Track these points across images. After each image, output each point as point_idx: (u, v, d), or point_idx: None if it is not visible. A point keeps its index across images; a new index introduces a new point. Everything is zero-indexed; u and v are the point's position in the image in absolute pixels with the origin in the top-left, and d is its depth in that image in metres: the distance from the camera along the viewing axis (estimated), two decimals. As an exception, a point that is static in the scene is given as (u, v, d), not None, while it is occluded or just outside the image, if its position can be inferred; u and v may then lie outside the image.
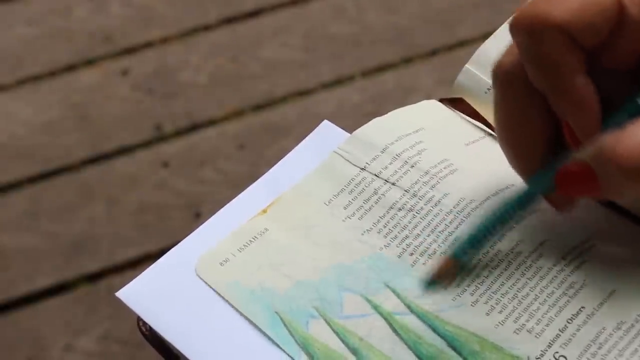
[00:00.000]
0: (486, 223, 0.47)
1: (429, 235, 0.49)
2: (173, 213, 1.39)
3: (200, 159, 1.46)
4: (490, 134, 0.54)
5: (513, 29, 0.45)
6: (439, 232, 0.49)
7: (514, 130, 0.47)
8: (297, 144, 0.54)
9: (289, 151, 0.53)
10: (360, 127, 0.53)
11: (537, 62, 0.45)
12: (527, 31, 0.44)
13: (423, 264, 0.48)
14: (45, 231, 1.38)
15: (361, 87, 1.51)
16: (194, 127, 1.50)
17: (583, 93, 0.44)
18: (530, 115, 0.46)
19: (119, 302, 0.48)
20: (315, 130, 0.54)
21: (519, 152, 0.47)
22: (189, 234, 0.50)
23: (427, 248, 0.48)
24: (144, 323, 0.48)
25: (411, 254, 0.48)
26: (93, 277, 1.33)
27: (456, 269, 0.47)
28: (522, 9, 0.44)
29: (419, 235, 0.49)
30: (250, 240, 0.49)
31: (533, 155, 0.47)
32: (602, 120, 0.45)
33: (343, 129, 0.54)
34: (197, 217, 1.37)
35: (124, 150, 1.47)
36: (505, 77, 0.46)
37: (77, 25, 1.66)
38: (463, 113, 0.55)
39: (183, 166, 1.45)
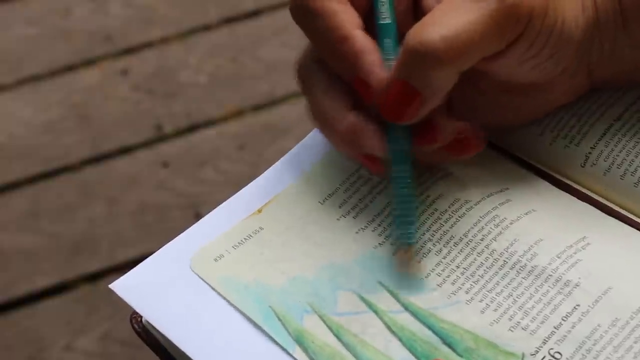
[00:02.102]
0: (401, 202, 0.48)
1: (423, 234, 0.49)
2: (173, 213, 1.39)
3: (200, 159, 1.46)
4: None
5: (292, 13, 0.50)
6: (434, 231, 0.49)
7: (327, 111, 0.49)
8: (297, 144, 0.54)
9: (289, 151, 0.54)
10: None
11: (314, 29, 0.49)
12: (299, 4, 0.49)
13: (418, 262, 0.48)
14: (45, 231, 1.38)
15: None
16: (194, 127, 1.50)
17: (364, 42, 0.47)
18: (333, 96, 0.49)
19: (119, 302, 0.48)
20: (312, 132, 0.54)
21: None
22: (188, 233, 0.51)
23: (421, 247, 0.48)
24: (137, 320, 0.48)
25: (405, 252, 0.48)
26: (93, 277, 1.33)
27: (411, 250, 0.48)
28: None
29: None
30: (245, 239, 0.50)
31: (367, 127, 0.48)
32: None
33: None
34: (197, 217, 1.37)
35: (124, 150, 1.48)
36: (300, 70, 0.51)
37: (77, 25, 1.66)
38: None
39: (183, 166, 1.45)
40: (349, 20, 0.48)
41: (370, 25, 0.49)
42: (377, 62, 0.47)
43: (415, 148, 0.48)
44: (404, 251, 0.48)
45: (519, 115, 0.52)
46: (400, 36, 0.48)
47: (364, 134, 0.48)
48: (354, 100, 0.49)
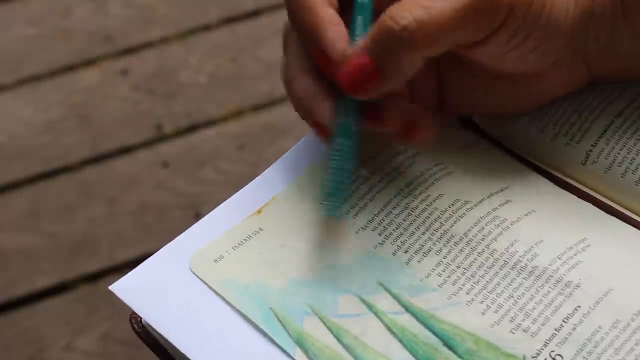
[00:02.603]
0: (334, 174, 0.48)
1: (423, 234, 0.49)
2: (173, 213, 1.39)
3: (200, 159, 1.46)
4: (484, 138, 0.54)
5: None
6: (434, 230, 0.49)
7: (294, 60, 0.50)
8: (296, 144, 0.54)
9: (288, 151, 0.54)
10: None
11: (292, 7, 0.49)
12: None
13: (418, 262, 0.48)
14: (45, 231, 1.38)
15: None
16: (194, 127, 1.50)
17: (329, 14, 0.48)
18: (298, 58, 0.49)
19: (118, 302, 0.48)
20: (310, 132, 0.54)
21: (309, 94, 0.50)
22: (188, 233, 0.51)
23: (421, 246, 0.48)
24: (137, 320, 0.48)
25: (405, 252, 0.48)
26: (93, 277, 1.33)
27: (337, 220, 0.49)
28: None
29: (413, 233, 0.49)
30: (245, 239, 0.49)
31: (315, 92, 0.49)
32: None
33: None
34: (197, 217, 1.37)
35: (124, 150, 1.48)
36: (284, 29, 0.51)
37: (77, 25, 1.66)
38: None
39: (183, 166, 1.45)
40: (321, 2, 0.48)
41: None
42: (339, 35, 0.48)
43: (363, 126, 0.49)
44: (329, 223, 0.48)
45: (512, 103, 0.52)
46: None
47: (315, 99, 0.49)
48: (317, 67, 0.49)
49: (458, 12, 0.46)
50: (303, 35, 0.49)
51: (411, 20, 0.46)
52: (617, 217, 0.49)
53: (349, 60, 0.47)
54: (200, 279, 0.48)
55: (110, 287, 0.48)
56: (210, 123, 1.51)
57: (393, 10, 0.46)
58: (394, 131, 0.49)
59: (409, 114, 0.49)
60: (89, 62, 1.60)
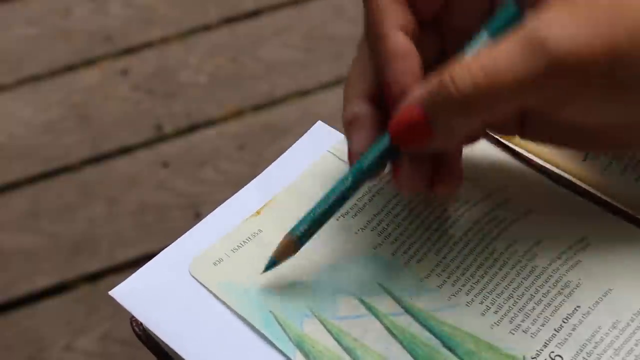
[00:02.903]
0: (323, 200, 0.47)
1: (423, 234, 0.49)
2: (173, 213, 1.39)
3: (200, 159, 1.46)
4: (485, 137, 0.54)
5: None
6: (433, 230, 0.49)
7: (356, 78, 0.48)
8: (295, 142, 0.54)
9: (287, 150, 0.53)
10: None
11: (365, 15, 0.46)
12: None
13: (417, 262, 0.48)
14: (45, 231, 1.38)
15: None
16: (194, 127, 1.50)
17: (398, 44, 0.45)
18: (371, 70, 0.47)
19: (118, 302, 0.48)
20: (309, 131, 0.54)
21: (354, 117, 0.47)
22: (188, 234, 0.51)
23: (421, 246, 0.48)
24: (137, 323, 0.48)
25: (405, 252, 0.48)
26: (93, 277, 1.33)
27: (294, 247, 0.47)
28: None
29: (412, 233, 0.49)
30: (244, 242, 0.49)
31: (364, 119, 0.47)
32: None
33: (342, 129, 0.54)
34: (197, 217, 1.37)
35: (124, 150, 1.47)
36: (361, 40, 0.48)
37: (77, 25, 1.66)
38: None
39: (183, 166, 1.45)
40: (391, 19, 0.45)
41: (444, 25, 0.47)
42: (405, 70, 0.45)
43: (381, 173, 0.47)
44: (287, 239, 0.47)
45: (598, 146, 0.48)
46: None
47: (357, 129, 0.46)
48: (374, 89, 0.47)
49: (525, 79, 0.42)
50: (374, 61, 0.47)
51: (469, 84, 0.42)
52: (616, 214, 0.49)
53: (403, 107, 0.44)
54: (200, 283, 0.48)
55: (110, 293, 0.48)
56: (210, 123, 1.51)
57: (456, 68, 0.43)
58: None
59: (429, 176, 0.46)
60: (89, 62, 1.60)
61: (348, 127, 0.47)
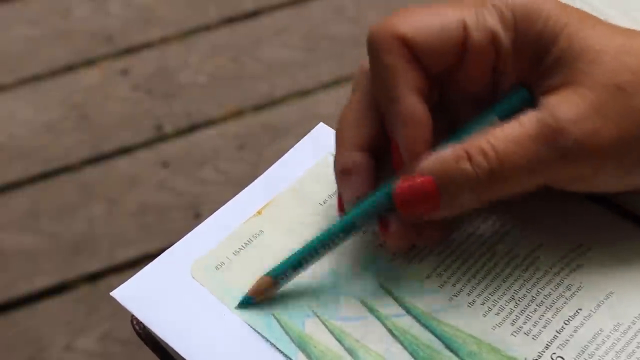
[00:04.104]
0: (307, 247, 0.47)
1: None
2: (173, 213, 1.39)
3: (200, 159, 1.46)
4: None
5: (367, 42, 0.46)
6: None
7: (351, 126, 0.47)
8: (296, 143, 0.54)
9: (289, 151, 0.53)
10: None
11: (375, 72, 0.46)
12: (373, 41, 0.46)
13: (419, 263, 0.48)
14: (45, 231, 1.38)
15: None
16: (194, 127, 1.50)
17: (412, 110, 0.45)
18: (367, 119, 0.47)
19: (118, 302, 0.48)
20: (311, 132, 0.54)
21: (348, 160, 0.47)
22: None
23: (422, 247, 0.48)
24: (138, 322, 0.48)
25: (406, 253, 0.48)
26: (93, 277, 1.33)
27: (274, 287, 0.47)
28: (376, 24, 0.46)
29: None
30: (246, 243, 0.49)
31: (359, 169, 0.47)
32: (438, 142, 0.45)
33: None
34: (197, 217, 1.37)
35: (124, 150, 1.47)
36: (359, 71, 0.48)
37: (77, 25, 1.66)
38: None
39: (183, 166, 1.45)
40: (407, 83, 0.45)
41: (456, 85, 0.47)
42: (419, 137, 0.45)
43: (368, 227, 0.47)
44: (265, 279, 0.47)
45: (614, 189, 0.48)
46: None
47: (351, 180, 0.47)
48: (371, 139, 0.47)
49: (538, 166, 0.44)
50: (385, 118, 0.46)
51: (485, 168, 0.44)
52: (617, 214, 0.49)
53: (413, 176, 0.45)
54: (202, 286, 0.48)
55: (112, 293, 0.48)
56: (210, 123, 1.51)
57: (474, 147, 0.44)
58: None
59: (417, 235, 0.47)
60: (89, 62, 1.60)
61: (342, 175, 0.47)
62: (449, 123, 0.47)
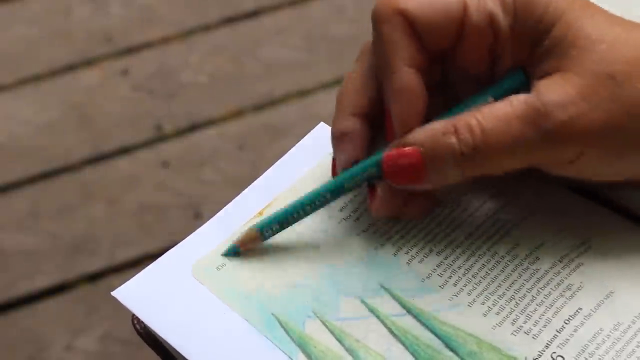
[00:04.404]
0: (295, 204, 0.48)
1: (424, 234, 0.49)
2: (173, 213, 1.39)
3: (200, 159, 1.46)
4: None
5: (371, 16, 0.47)
6: (435, 231, 0.49)
7: (351, 93, 0.49)
8: (296, 144, 0.54)
9: (289, 151, 0.54)
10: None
11: (377, 45, 0.47)
12: (376, 15, 0.47)
13: (419, 262, 0.48)
14: (45, 231, 1.38)
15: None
16: (194, 127, 1.50)
17: (407, 83, 0.46)
18: (366, 88, 0.48)
19: (119, 302, 0.48)
20: (311, 132, 0.54)
21: (345, 126, 0.48)
22: (188, 234, 0.50)
23: (423, 247, 0.48)
24: (139, 321, 0.48)
25: (406, 253, 0.48)
26: (93, 277, 1.33)
27: (259, 241, 0.49)
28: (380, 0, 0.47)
29: (414, 234, 0.49)
30: (247, 244, 0.50)
31: (354, 135, 0.48)
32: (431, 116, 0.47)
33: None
34: (197, 217, 1.37)
35: (124, 150, 1.48)
36: (364, 46, 0.49)
37: (77, 25, 1.66)
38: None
39: (183, 166, 1.45)
40: (404, 56, 0.46)
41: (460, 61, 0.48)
42: (412, 108, 0.46)
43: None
44: (251, 231, 0.48)
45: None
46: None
47: (346, 144, 0.48)
48: (369, 107, 0.48)
49: (521, 146, 0.45)
50: (383, 87, 0.47)
51: (470, 144, 0.45)
52: (618, 212, 0.49)
53: (402, 147, 0.46)
54: (203, 286, 0.48)
55: (113, 293, 0.48)
56: (210, 123, 1.51)
57: (461, 122, 0.45)
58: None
59: (403, 201, 0.48)
60: (89, 62, 1.60)
61: (337, 140, 0.48)
62: (449, 102, 0.48)
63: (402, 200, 0.48)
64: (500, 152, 0.45)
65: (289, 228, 0.49)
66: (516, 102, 0.45)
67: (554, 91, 0.45)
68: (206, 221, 0.51)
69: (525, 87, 0.46)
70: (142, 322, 0.48)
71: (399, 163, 0.46)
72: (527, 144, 0.45)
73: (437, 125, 0.46)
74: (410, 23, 0.46)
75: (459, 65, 0.48)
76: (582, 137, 0.44)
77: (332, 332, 0.46)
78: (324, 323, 0.46)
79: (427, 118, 0.47)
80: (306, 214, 0.48)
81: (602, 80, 0.44)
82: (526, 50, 0.46)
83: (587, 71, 0.45)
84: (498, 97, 0.46)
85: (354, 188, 0.48)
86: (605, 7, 0.48)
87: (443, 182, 0.46)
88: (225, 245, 0.49)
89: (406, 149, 0.46)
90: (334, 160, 0.49)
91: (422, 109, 0.47)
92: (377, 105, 0.48)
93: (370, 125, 0.48)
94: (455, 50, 0.47)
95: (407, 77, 0.46)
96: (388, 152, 0.46)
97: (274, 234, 0.49)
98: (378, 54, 0.48)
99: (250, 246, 0.49)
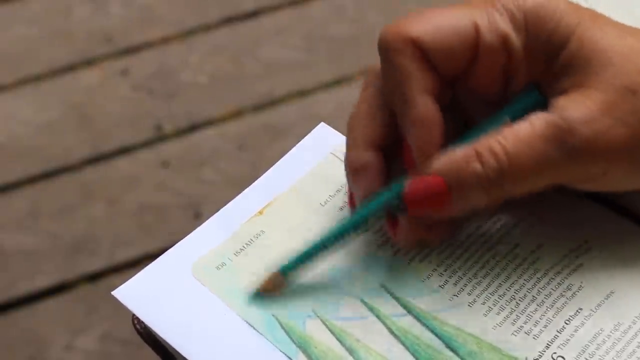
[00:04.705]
0: (317, 242, 0.47)
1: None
2: (173, 213, 1.39)
3: (200, 159, 1.46)
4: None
5: (378, 44, 0.46)
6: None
7: (362, 123, 0.48)
8: (297, 144, 0.54)
9: (289, 151, 0.53)
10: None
11: (387, 74, 0.46)
12: (384, 44, 0.46)
13: (419, 262, 0.48)
14: (45, 231, 1.38)
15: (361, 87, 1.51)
16: (194, 127, 1.50)
17: (424, 112, 0.45)
18: (378, 116, 0.47)
19: (119, 302, 0.48)
20: (312, 132, 0.54)
21: (360, 155, 0.47)
22: (188, 234, 0.50)
23: (423, 247, 0.48)
24: (139, 321, 0.48)
25: (406, 253, 0.48)
26: (93, 277, 1.33)
27: (283, 283, 0.47)
28: (386, 26, 0.46)
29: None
30: (247, 244, 0.49)
31: (370, 168, 0.47)
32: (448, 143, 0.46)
33: (342, 129, 0.54)
34: (197, 217, 1.37)
35: (124, 150, 1.48)
36: (370, 70, 0.48)
37: (77, 25, 1.66)
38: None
39: (183, 166, 1.45)
40: (419, 85, 0.45)
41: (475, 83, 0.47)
42: (431, 138, 0.46)
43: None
44: (274, 275, 0.47)
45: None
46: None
47: (363, 178, 0.47)
48: (381, 137, 0.48)
49: (547, 166, 0.44)
50: (399, 118, 0.47)
51: (495, 168, 0.44)
52: (619, 213, 0.49)
53: (423, 176, 0.45)
54: (203, 285, 0.48)
55: (113, 293, 0.48)
56: (210, 123, 1.51)
57: (484, 146, 0.44)
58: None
59: (423, 232, 0.47)
60: (89, 62, 1.60)
61: (354, 174, 0.47)
62: (460, 124, 0.48)
63: (425, 228, 0.47)
64: (526, 174, 0.44)
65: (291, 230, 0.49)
66: (537, 122, 0.44)
67: (575, 108, 0.44)
68: (204, 223, 0.51)
69: (540, 104, 0.45)
70: (142, 321, 0.48)
71: (423, 194, 0.45)
72: (552, 163, 0.44)
73: (459, 152, 0.45)
74: (423, 50, 0.45)
75: (471, 87, 0.47)
76: (607, 152, 0.44)
77: (332, 332, 0.46)
78: (324, 323, 0.46)
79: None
80: (328, 252, 0.47)
81: (622, 94, 0.44)
82: (540, 67, 0.46)
83: (606, 85, 0.44)
84: (515, 117, 0.45)
85: (376, 222, 0.47)
86: (608, 8, 0.48)
87: (469, 209, 0.46)
88: (227, 245, 0.49)
89: (429, 180, 0.45)
90: (350, 194, 0.48)
91: (441, 137, 0.46)
92: (390, 134, 0.47)
93: (385, 154, 0.48)
94: (467, 72, 0.46)
95: (424, 106, 0.45)
96: (410, 185, 0.46)
97: (297, 276, 0.47)
98: (390, 83, 0.46)
99: (275, 290, 0.47)
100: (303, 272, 0.47)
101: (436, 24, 0.46)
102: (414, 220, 0.47)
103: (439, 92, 0.46)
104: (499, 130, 0.45)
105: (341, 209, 0.50)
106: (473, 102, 0.48)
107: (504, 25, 0.45)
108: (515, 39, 0.45)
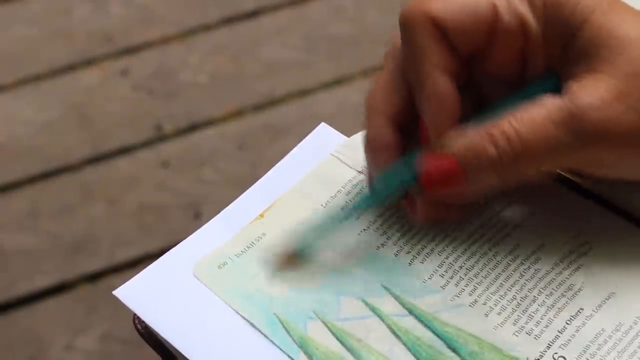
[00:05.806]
0: (330, 217, 0.48)
1: (425, 235, 0.49)
2: (173, 213, 1.39)
3: (200, 159, 1.46)
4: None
5: (399, 22, 0.47)
6: (436, 231, 0.49)
7: (382, 96, 0.48)
8: (297, 144, 0.54)
9: (289, 151, 0.53)
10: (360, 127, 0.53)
11: (407, 51, 0.47)
12: (404, 21, 0.46)
13: (420, 262, 0.48)
14: (45, 231, 1.38)
15: (361, 87, 1.51)
16: (194, 127, 1.50)
17: (440, 89, 0.46)
18: (397, 90, 0.48)
19: (118, 301, 0.48)
20: (312, 132, 0.54)
21: (377, 131, 0.48)
22: (188, 234, 0.50)
23: (423, 247, 0.48)
24: (140, 321, 0.48)
25: (407, 253, 0.48)
26: (93, 277, 1.33)
27: (299, 259, 0.48)
28: (408, 3, 0.47)
29: (415, 234, 0.49)
30: (248, 247, 0.49)
31: (389, 147, 0.48)
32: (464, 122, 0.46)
33: (343, 129, 0.54)
34: (197, 217, 1.37)
35: (124, 150, 1.48)
36: (390, 48, 0.48)
37: (77, 25, 1.66)
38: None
39: (183, 166, 1.45)
40: (436, 62, 0.46)
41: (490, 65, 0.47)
42: (446, 115, 0.46)
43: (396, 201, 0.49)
44: (288, 251, 0.48)
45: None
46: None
47: (381, 154, 0.48)
48: (399, 110, 0.48)
49: (559, 150, 0.44)
50: (416, 95, 0.47)
51: (508, 150, 0.44)
52: (620, 215, 0.49)
53: (439, 156, 0.46)
54: (205, 285, 0.48)
55: (114, 292, 0.48)
56: (210, 123, 1.51)
57: (497, 129, 0.45)
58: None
59: (440, 211, 0.48)
60: (89, 62, 1.60)
61: (372, 150, 0.48)
62: (476, 102, 0.48)
63: (443, 207, 0.48)
64: (539, 157, 0.45)
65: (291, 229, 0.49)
66: (550, 105, 0.45)
67: (588, 93, 0.44)
68: (206, 221, 0.51)
69: (558, 91, 0.45)
70: (143, 321, 0.48)
71: (437, 171, 0.46)
72: (563, 147, 0.44)
73: (473, 134, 0.45)
74: (441, 28, 0.46)
75: (488, 68, 0.47)
76: (618, 138, 0.44)
77: (333, 333, 0.46)
78: (325, 324, 0.46)
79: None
80: (341, 225, 0.48)
81: (634, 81, 0.44)
82: (557, 52, 0.46)
83: (620, 72, 0.44)
84: (530, 100, 0.46)
85: (390, 199, 0.48)
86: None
87: (482, 191, 0.46)
88: (228, 246, 0.49)
89: (444, 160, 0.46)
90: (368, 170, 0.49)
91: (456, 115, 0.46)
92: (408, 108, 0.48)
93: (402, 128, 0.48)
94: (485, 53, 0.47)
95: (440, 83, 0.46)
96: (425, 167, 0.46)
97: (313, 249, 0.48)
98: (408, 59, 0.47)
99: (291, 264, 0.48)
100: (316, 246, 0.48)
101: (456, 3, 0.46)
102: (431, 200, 0.47)
103: (455, 71, 0.46)
104: (513, 113, 0.45)
105: (341, 209, 0.50)
106: (490, 82, 0.48)
107: (523, 8, 0.46)
108: (533, 22, 0.46)
